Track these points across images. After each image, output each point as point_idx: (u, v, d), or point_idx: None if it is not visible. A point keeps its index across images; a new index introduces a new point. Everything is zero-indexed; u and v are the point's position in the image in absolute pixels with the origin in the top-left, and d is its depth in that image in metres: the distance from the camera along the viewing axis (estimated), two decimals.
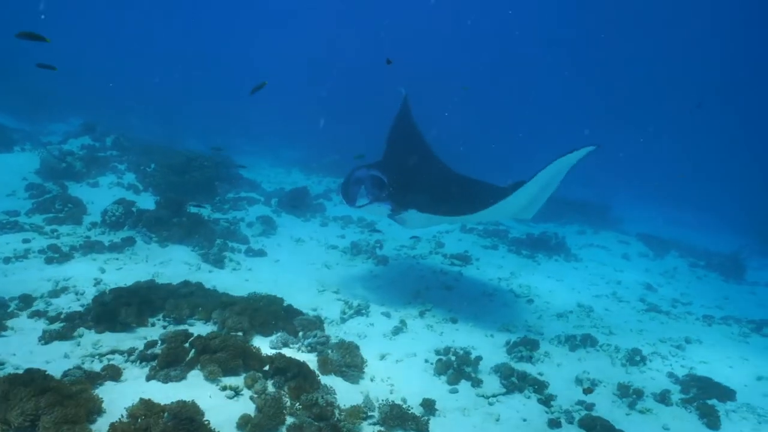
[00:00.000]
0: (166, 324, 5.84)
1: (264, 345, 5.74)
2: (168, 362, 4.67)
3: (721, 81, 40.36)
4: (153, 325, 5.80)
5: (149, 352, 4.84)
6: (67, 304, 6.28)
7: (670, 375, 7.10)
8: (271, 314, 6.20)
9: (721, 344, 8.63)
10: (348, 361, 5.68)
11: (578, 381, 6.50)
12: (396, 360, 6.30)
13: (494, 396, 5.82)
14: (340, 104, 35.34)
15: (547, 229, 14.52)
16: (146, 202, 11.08)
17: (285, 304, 6.69)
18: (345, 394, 5.15)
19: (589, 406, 5.91)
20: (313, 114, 33.18)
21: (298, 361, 5.06)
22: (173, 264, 8.42)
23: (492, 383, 6.10)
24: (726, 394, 6.63)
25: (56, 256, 7.72)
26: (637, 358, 7.38)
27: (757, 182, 26.73)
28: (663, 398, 6.35)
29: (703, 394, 6.51)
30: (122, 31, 41.43)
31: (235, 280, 8.35)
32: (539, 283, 10.43)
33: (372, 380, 5.66)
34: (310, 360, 5.63)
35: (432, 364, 6.31)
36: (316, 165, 19.64)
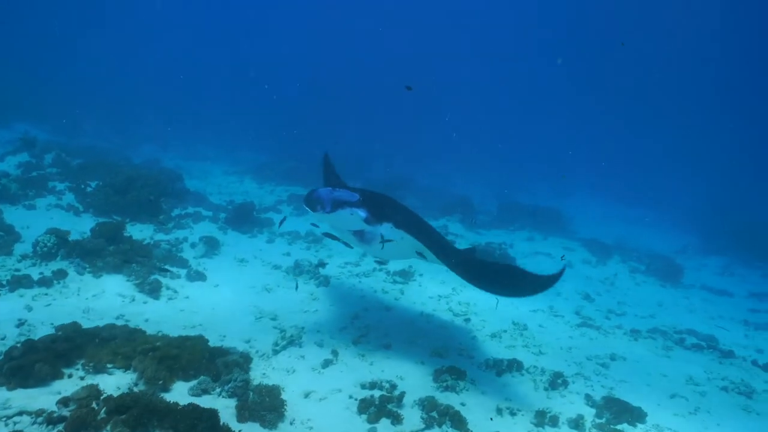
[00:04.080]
0: (83, 375, 5.81)
1: (184, 392, 5.80)
2: (76, 426, 4.68)
3: (681, 78, 41.61)
4: (70, 376, 5.75)
5: (57, 414, 4.84)
6: None
7: (588, 398, 7.42)
8: (194, 358, 6.22)
9: (644, 360, 9.05)
10: (267, 404, 5.77)
11: (498, 411, 6.74)
12: (320, 398, 6.41)
13: None
14: (304, 106, 35.31)
15: (495, 238, 14.86)
16: (86, 223, 10.89)
17: (210, 343, 6.70)
18: None
19: None
20: (274, 115, 33.02)
21: (209, 411, 5.09)
22: (106, 297, 8.34)
23: (413, 418, 6.27)
24: (638, 416, 6.98)
25: None
26: (559, 381, 7.68)
27: (704, 181, 27.77)
28: (577, 425, 6.65)
29: (615, 419, 6.86)
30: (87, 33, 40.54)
31: (169, 311, 8.33)
32: (479, 299, 10.68)
33: (292, 423, 5.76)
34: (229, 406, 5.73)
35: (356, 400, 6.43)
36: (271, 172, 19.55)
